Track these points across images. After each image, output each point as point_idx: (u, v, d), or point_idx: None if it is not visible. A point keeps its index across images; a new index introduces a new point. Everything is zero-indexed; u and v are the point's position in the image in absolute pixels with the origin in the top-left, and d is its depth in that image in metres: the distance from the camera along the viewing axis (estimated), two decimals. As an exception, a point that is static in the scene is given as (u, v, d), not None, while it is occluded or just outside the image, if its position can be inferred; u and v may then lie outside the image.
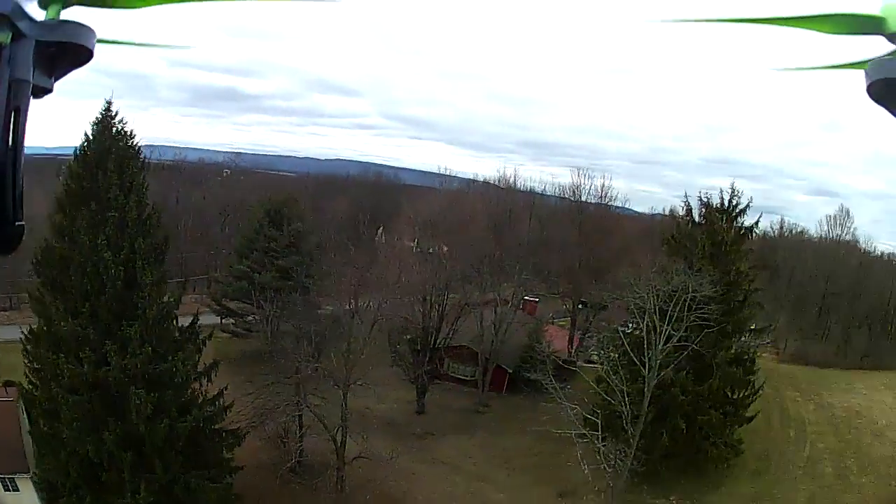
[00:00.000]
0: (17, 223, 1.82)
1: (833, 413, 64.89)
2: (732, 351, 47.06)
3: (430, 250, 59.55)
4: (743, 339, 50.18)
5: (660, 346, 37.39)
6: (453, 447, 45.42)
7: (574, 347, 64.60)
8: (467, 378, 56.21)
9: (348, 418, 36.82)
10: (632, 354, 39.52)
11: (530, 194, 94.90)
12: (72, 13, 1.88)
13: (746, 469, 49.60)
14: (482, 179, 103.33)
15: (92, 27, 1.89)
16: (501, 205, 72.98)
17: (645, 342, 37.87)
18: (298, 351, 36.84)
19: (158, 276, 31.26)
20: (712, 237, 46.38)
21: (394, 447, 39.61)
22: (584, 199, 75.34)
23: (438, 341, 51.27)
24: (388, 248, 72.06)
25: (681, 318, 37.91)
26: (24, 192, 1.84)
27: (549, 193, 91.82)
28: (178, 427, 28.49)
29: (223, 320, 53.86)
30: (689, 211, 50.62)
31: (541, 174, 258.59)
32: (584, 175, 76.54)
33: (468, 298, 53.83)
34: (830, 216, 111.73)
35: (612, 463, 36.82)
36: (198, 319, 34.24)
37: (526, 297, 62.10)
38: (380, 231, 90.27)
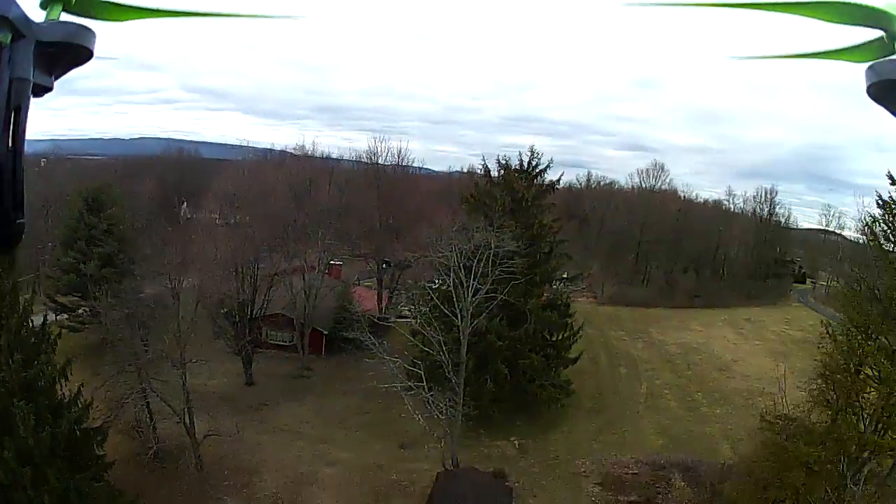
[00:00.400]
0: (17, 221, 1.92)
1: (666, 350, 71.66)
2: (544, 298, 50.86)
3: (234, 221, 61.09)
4: (555, 286, 53.81)
5: (468, 299, 39.82)
6: (288, 414, 47.53)
7: (384, 305, 68.00)
8: (286, 343, 58.64)
9: (189, 398, 38.25)
10: (442, 308, 42.02)
11: (328, 161, 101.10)
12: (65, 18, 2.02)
13: (582, 408, 53.56)
14: (279, 149, 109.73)
15: (92, 28, 2.03)
16: (301, 173, 75.10)
17: (454, 296, 40.55)
18: (134, 338, 38.00)
19: (13, 281, 30.87)
20: (512, 194, 49.97)
21: (234, 421, 41.70)
22: (381, 162, 79.90)
23: (255, 311, 53.20)
24: (195, 224, 73.99)
25: (486, 273, 40.46)
26: (24, 190, 1.94)
27: (347, 158, 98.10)
28: (57, 433, 28.49)
29: (57, 317, 54.22)
30: (487, 171, 54.28)
31: (338, 140, 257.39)
32: (380, 139, 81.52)
33: (277, 267, 56.45)
34: (642, 169, 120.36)
35: (444, 410, 38.84)
36: (46, 319, 34.95)
37: (330, 262, 65.21)
38: (183, 207, 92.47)
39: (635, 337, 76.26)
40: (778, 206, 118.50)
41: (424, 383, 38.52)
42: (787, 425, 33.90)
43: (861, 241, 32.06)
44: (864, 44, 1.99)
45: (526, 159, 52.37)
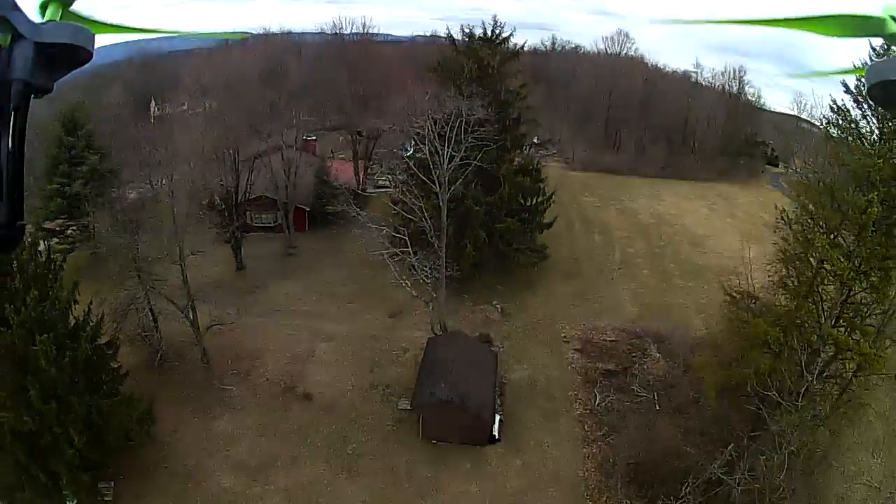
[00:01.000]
0: (17, 223, 1.96)
1: (638, 219, 73.47)
2: (516, 163, 51.90)
3: (205, 108, 60.10)
4: (525, 152, 54.53)
5: (445, 166, 40.62)
6: (280, 293, 48.72)
7: (361, 177, 68.88)
8: (271, 224, 59.39)
9: (191, 293, 38.52)
10: (420, 175, 42.98)
11: (292, 38, 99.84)
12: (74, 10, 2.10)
13: (558, 271, 55.47)
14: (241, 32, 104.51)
15: (90, 29, 2.05)
16: (269, 54, 73.87)
17: (430, 163, 41.05)
18: (131, 243, 37.44)
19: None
20: (478, 62, 50.06)
21: (231, 308, 42.74)
22: (345, 34, 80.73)
23: (240, 196, 53.44)
24: (170, 119, 72.09)
25: (459, 140, 41.04)
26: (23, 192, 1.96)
27: (310, 32, 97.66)
28: (77, 356, 28.82)
29: (46, 242, 54.10)
30: (452, 40, 54.27)
31: (301, 12, 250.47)
32: (343, 13, 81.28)
33: (256, 150, 56.26)
34: (607, 36, 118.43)
35: (430, 274, 40.37)
36: (50, 249, 33.88)
37: (305, 138, 65.78)
38: (153, 105, 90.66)
39: (608, 204, 77.86)
40: (747, 85, 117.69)
41: (410, 249, 39.96)
42: (750, 302, 35.83)
43: (840, 135, 32.44)
44: (843, 16, 2.01)
45: (490, 27, 52.36)
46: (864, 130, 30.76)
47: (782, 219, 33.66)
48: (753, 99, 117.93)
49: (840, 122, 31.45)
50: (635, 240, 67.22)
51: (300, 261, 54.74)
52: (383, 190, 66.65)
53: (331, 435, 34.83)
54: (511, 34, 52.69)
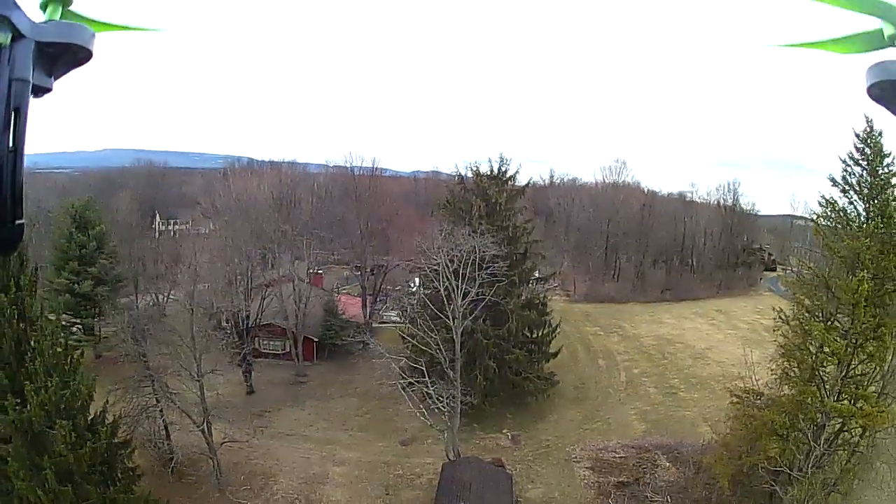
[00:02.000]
0: (16, 222, 1.95)
1: (641, 342, 76.17)
2: (523, 298, 54.78)
3: (209, 230, 62.29)
4: (531, 286, 57.57)
5: (459, 301, 43.01)
6: (292, 419, 50.70)
7: (368, 311, 70.61)
8: (280, 352, 61.57)
9: (207, 409, 40.46)
10: (435, 310, 45.32)
11: (300, 168, 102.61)
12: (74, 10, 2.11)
13: (567, 398, 57.91)
14: (247, 159, 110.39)
15: (91, 29, 2.06)
16: (281, 182, 76.30)
17: (444, 298, 43.67)
18: (145, 352, 39.89)
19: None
20: (486, 200, 53.98)
21: (242, 428, 44.73)
22: (356, 171, 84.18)
23: (251, 321, 55.69)
24: (182, 236, 75.75)
25: (473, 277, 43.61)
26: (24, 191, 1.96)
27: (327, 164, 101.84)
28: (96, 448, 29.91)
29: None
30: (461, 178, 58.65)
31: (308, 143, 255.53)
32: (355, 149, 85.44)
33: (268, 277, 59.39)
34: (606, 166, 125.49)
35: (445, 404, 42.07)
36: (68, 342, 34.49)
37: (312, 271, 67.73)
38: (156, 220, 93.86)
39: (610, 331, 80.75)
40: (742, 196, 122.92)
41: (427, 378, 42.03)
42: (755, 399, 38.34)
43: (830, 225, 35.48)
44: (856, 35, 2.05)
45: (496, 165, 56.63)
46: (851, 215, 34.09)
47: (780, 318, 36.52)
48: (748, 208, 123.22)
49: (829, 212, 34.79)
50: (639, 362, 69.99)
51: (309, 389, 56.77)
52: (390, 324, 69.06)
53: None
54: (517, 171, 57.40)
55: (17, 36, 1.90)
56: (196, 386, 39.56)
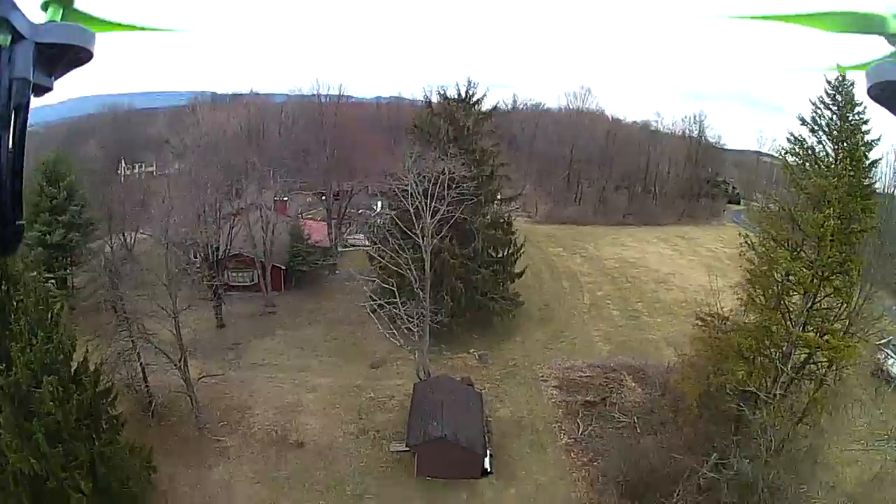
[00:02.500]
0: (16, 223, 1.95)
1: (604, 265, 77.44)
2: (488, 217, 54.91)
3: (184, 167, 61.14)
4: (496, 206, 57.53)
5: (428, 219, 43.26)
6: (263, 349, 50.30)
7: (334, 235, 70.85)
8: (248, 283, 60.90)
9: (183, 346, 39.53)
10: (403, 227, 45.25)
11: (265, 98, 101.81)
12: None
13: (532, 318, 58.58)
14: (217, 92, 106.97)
15: (91, 30, 2.06)
16: (246, 115, 75.77)
17: (413, 218, 43.44)
18: (122, 296, 39.32)
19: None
20: (454, 123, 53.75)
21: (216, 362, 44.43)
22: (322, 95, 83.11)
23: (220, 252, 54.80)
24: (144, 176, 74.22)
25: (442, 196, 43.79)
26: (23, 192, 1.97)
27: (292, 92, 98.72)
28: (82, 400, 29.46)
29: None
30: (428, 103, 58.10)
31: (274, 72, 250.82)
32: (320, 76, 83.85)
33: (235, 207, 58.23)
34: (570, 92, 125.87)
35: (415, 323, 42.22)
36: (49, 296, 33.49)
37: (277, 199, 66.86)
38: (121, 165, 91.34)
39: (573, 252, 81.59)
40: (709, 128, 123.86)
41: (398, 299, 42.00)
42: (721, 323, 38.85)
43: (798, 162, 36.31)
44: (843, 13, 2.03)
45: (464, 89, 55.96)
46: (820, 155, 34.53)
47: (747, 243, 36.96)
48: (714, 140, 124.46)
49: (797, 150, 35.11)
50: (602, 284, 70.77)
51: (279, 318, 56.36)
52: (356, 247, 69.57)
53: (328, 478, 36.29)
54: (485, 95, 56.85)
55: (18, 37, 1.91)
56: (171, 324, 38.64)
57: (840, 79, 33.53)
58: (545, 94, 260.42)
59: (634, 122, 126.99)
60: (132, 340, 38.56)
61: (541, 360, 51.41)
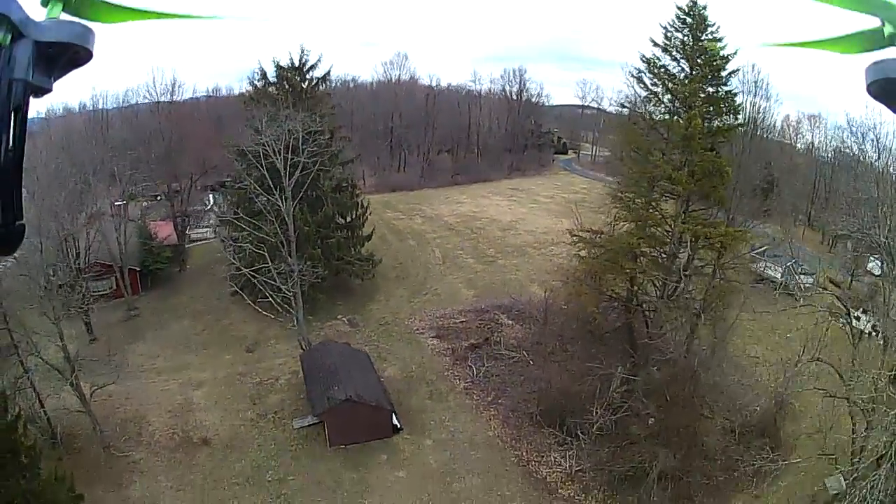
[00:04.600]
0: (17, 223, 1.93)
1: (445, 221, 77.65)
2: (334, 181, 53.81)
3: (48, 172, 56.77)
4: (338, 169, 55.92)
5: (287, 180, 41.54)
6: (139, 355, 46.75)
7: (182, 230, 68.03)
8: (108, 291, 56.54)
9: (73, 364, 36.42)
10: (262, 192, 42.83)
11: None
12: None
13: (389, 278, 58.01)
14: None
15: (92, 27, 1.99)
16: (91, 124, 71.18)
17: (271, 183, 41.76)
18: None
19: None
20: (294, 88, 52.98)
21: (96, 377, 38.80)
22: (159, 98, 77.99)
23: (80, 262, 49.34)
24: None
25: (301, 150, 42.23)
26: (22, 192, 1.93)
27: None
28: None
29: None
30: (263, 73, 55.63)
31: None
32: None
33: (89, 211, 53.78)
34: (386, 60, 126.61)
35: (289, 288, 40.60)
36: None
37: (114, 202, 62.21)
38: None
39: (411, 215, 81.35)
40: (529, 82, 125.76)
41: (270, 264, 40.08)
42: (596, 237, 39.03)
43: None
44: (856, 34, 2.03)
45: (297, 57, 54.61)
46: (674, 71, 35.40)
47: (614, 155, 37.39)
48: (536, 95, 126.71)
49: (652, 69, 35.90)
50: (448, 238, 70.99)
51: (145, 321, 52.96)
52: (201, 242, 68.37)
53: (244, 469, 34.12)
54: (318, 61, 55.44)
55: (17, 35, 1.84)
56: (55, 337, 35.75)
57: (691, 3, 34.65)
58: (360, 67, 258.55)
59: (449, 85, 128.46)
60: (21, 362, 35.04)
61: (410, 315, 50.95)
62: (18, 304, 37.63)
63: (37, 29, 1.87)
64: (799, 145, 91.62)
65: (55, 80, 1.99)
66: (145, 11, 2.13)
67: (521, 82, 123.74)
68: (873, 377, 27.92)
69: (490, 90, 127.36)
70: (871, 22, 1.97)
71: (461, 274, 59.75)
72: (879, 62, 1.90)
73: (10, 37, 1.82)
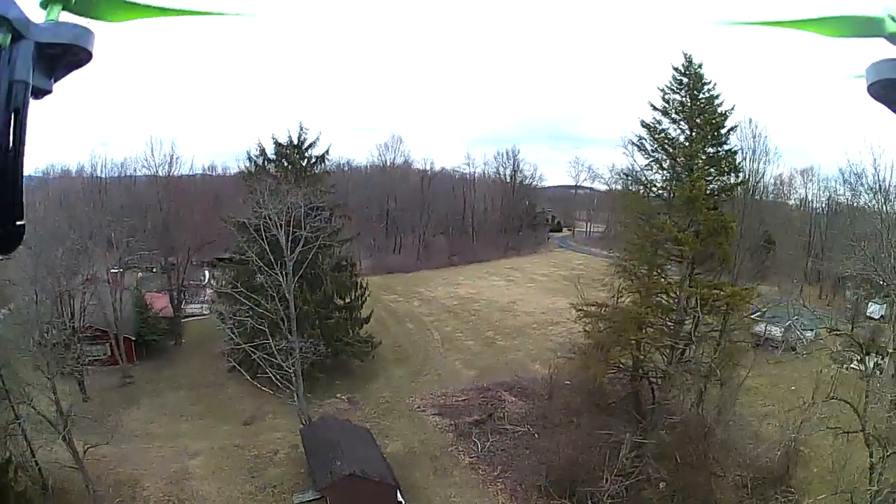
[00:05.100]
0: (17, 224, 1.94)
1: (443, 304, 77.45)
2: (334, 259, 54.09)
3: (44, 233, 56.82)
4: (338, 248, 56.32)
5: (288, 252, 41.09)
6: (133, 420, 45.99)
7: (178, 303, 67.21)
8: (102, 357, 54.28)
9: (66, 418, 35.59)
10: (263, 265, 42.17)
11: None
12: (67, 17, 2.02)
13: (388, 359, 57.35)
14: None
15: (91, 29, 2.01)
16: (89, 188, 71.51)
17: (271, 258, 41.09)
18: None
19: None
20: (293, 164, 53.37)
21: (92, 436, 38.39)
22: (157, 169, 77.89)
23: (75, 323, 49.01)
24: None
25: (303, 224, 42.09)
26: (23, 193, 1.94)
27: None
28: None
29: None
30: (262, 149, 56.08)
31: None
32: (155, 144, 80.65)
33: (85, 274, 53.78)
34: (381, 144, 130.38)
35: (290, 365, 39.90)
36: None
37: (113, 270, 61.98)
38: None
39: (409, 298, 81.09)
40: (523, 163, 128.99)
41: (270, 340, 39.44)
42: (601, 310, 38.79)
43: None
44: (846, 17, 2.01)
45: (296, 135, 55.08)
46: (673, 134, 35.78)
47: (619, 223, 37.47)
48: (530, 175, 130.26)
49: (653, 134, 36.32)
50: (447, 321, 70.52)
51: (140, 388, 52.04)
52: (195, 317, 67.90)
53: None
54: (317, 139, 55.91)
55: (18, 37, 1.86)
56: (48, 391, 35.08)
57: (686, 63, 35.16)
58: (352, 150, 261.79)
59: (443, 168, 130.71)
60: (13, 407, 34.21)
61: (411, 394, 50.10)
62: (12, 354, 37.20)
63: (37, 31, 1.89)
64: (791, 201, 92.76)
65: (55, 81, 2.01)
66: (149, 7, 2.13)
67: (514, 163, 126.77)
68: (888, 407, 28.79)
69: (484, 172, 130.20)
70: (866, 7, 1.97)
71: (461, 355, 59.23)
72: (880, 63, 1.91)
73: (10, 38, 1.84)
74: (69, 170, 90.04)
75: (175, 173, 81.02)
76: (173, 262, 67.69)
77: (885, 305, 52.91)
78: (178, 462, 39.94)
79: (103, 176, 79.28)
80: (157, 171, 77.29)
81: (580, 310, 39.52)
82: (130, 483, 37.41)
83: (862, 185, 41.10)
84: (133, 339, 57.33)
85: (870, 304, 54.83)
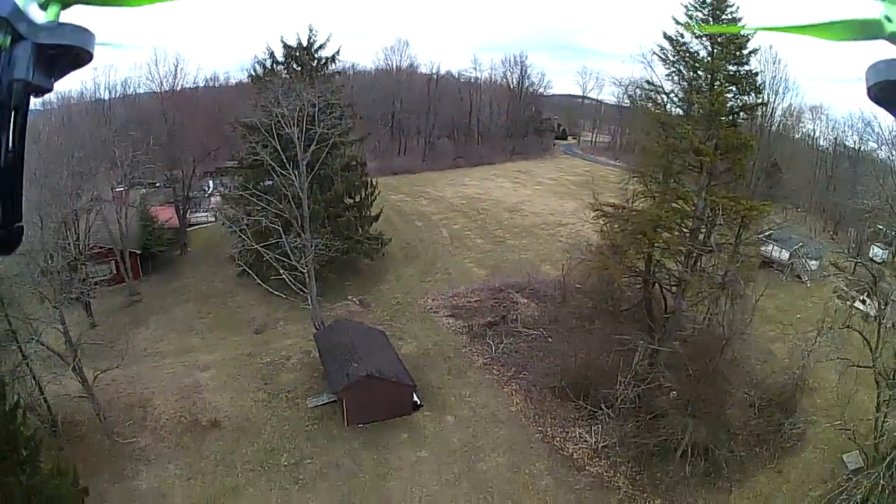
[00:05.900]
0: (16, 225, 1.93)
1: (450, 203, 77.38)
2: (345, 158, 53.39)
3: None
4: (347, 148, 55.47)
5: (301, 153, 40.67)
6: (142, 340, 45.38)
7: (183, 213, 66.86)
8: (107, 276, 54.63)
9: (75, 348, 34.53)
10: (275, 165, 41.94)
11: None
12: (72, 12, 2.00)
13: (397, 258, 57.59)
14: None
15: (91, 30, 1.99)
16: (92, 108, 70.45)
17: (283, 158, 40.90)
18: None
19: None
20: (304, 66, 52.29)
21: (100, 362, 37.25)
22: (163, 86, 76.89)
23: (81, 244, 47.26)
24: None
25: (318, 122, 41.59)
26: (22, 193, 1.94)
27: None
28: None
29: None
30: (271, 53, 54.68)
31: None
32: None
33: (89, 194, 52.33)
34: (388, 46, 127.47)
35: (303, 264, 39.65)
36: None
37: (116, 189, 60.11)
38: None
39: (416, 197, 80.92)
40: (530, 69, 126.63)
41: (284, 238, 38.95)
42: (619, 211, 38.23)
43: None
44: (847, 21, 1.99)
45: (305, 37, 53.97)
46: (694, 50, 34.59)
47: (642, 130, 36.70)
48: (536, 83, 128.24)
49: (674, 47, 35.08)
50: (455, 219, 70.51)
51: (147, 305, 51.48)
52: (200, 225, 68.64)
53: (258, 453, 32.45)
54: (328, 40, 54.81)
55: (17, 38, 1.84)
56: (56, 322, 34.00)
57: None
58: (360, 54, 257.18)
59: (448, 72, 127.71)
60: (20, 348, 33.29)
61: (422, 294, 50.14)
62: (17, 290, 36.23)
63: (37, 31, 1.85)
64: (798, 135, 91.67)
65: (55, 81, 1.96)
66: None
67: (521, 69, 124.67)
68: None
69: (491, 77, 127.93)
70: (866, 10, 1.92)
71: (470, 254, 59.23)
72: (879, 63, 1.87)
73: (9, 39, 1.81)
74: (71, 95, 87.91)
75: (179, 86, 79.40)
76: (178, 175, 66.82)
77: (886, 251, 53.38)
78: (189, 377, 39.76)
79: (106, 96, 78.18)
80: (161, 84, 75.88)
81: (597, 209, 38.99)
82: (141, 403, 37.18)
83: (870, 133, 40.41)
84: (139, 252, 56.42)
85: (872, 246, 54.76)
